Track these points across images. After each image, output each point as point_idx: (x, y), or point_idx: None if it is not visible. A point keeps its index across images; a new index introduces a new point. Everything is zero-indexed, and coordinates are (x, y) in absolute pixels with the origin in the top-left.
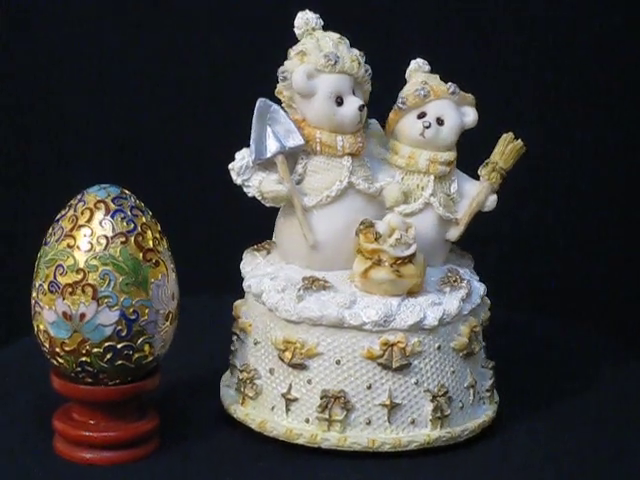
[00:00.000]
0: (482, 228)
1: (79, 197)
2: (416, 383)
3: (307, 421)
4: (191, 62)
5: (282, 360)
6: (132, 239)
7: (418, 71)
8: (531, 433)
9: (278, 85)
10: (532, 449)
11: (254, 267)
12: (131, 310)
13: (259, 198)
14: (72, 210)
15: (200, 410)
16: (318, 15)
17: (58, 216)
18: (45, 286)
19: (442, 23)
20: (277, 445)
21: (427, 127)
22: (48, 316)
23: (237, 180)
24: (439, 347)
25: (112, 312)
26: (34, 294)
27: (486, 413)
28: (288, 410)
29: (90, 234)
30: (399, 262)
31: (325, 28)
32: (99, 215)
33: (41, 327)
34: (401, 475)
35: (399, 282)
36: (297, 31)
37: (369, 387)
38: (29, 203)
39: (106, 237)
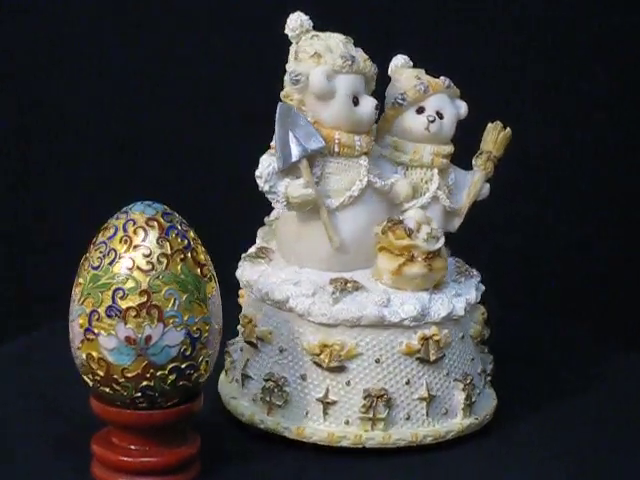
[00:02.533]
0: (481, 229)
1: (125, 217)
2: (447, 374)
3: (347, 423)
4: (191, 63)
5: (318, 364)
6: (189, 255)
7: (404, 67)
8: (529, 432)
9: (286, 89)
10: (531, 447)
11: (261, 274)
12: (195, 328)
13: (283, 204)
14: (121, 230)
15: (211, 423)
16: (308, 16)
17: (101, 238)
18: (101, 312)
19: (425, 20)
20: (309, 451)
21: (432, 121)
22: (106, 343)
23: (264, 187)
24: (463, 336)
25: (178, 332)
26: (80, 321)
27: (493, 397)
28: (326, 414)
29: (149, 254)
30: (430, 256)
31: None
32: (154, 233)
33: (94, 355)
34: (442, 467)
35: (430, 276)
36: (291, 33)
37: (407, 382)
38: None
39: (166, 255)
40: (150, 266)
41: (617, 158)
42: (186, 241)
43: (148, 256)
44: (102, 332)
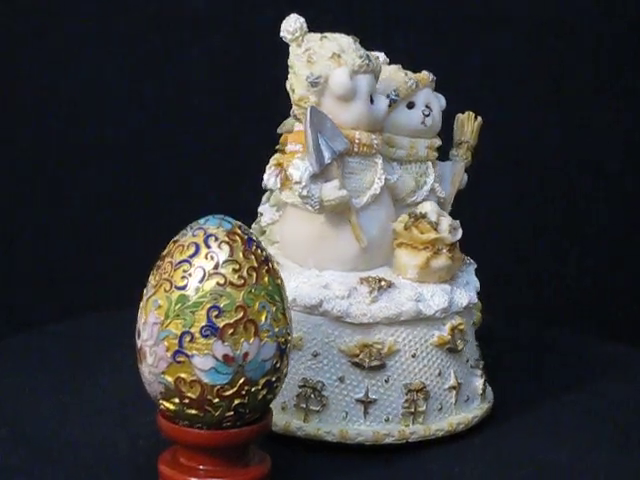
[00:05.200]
0: (480, 228)
1: (203, 233)
2: (467, 361)
3: (387, 420)
4: (191, 62)
5: (357, 365)
6: (270, 266)
7: (384, 64)
8: (526, 432)
9: (300, 92)
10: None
11: None
12: (282, 339)
13: (316, 207)
14: (204, 247)
15: None
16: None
17: (180, 257)
18: (195, 332)
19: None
20: (351, 453)
21: (427, 115)
22: (202, 364)
23: (303, 192)
24: (473, 323)
25: (271, 345)
26: (167, 344)
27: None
28: (366, 413)
29: (239, 268)
30: (451, 247)
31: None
32: (239, 247)
33: (185, 377)
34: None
35: (452, 267)
36: (289, 36)
37: (439, 374)
38: None
39: (254, 268)
40: (242, 280)
41: (617, 158)
42: (263, 252)
43: (238, 271)
44: (196, 353)
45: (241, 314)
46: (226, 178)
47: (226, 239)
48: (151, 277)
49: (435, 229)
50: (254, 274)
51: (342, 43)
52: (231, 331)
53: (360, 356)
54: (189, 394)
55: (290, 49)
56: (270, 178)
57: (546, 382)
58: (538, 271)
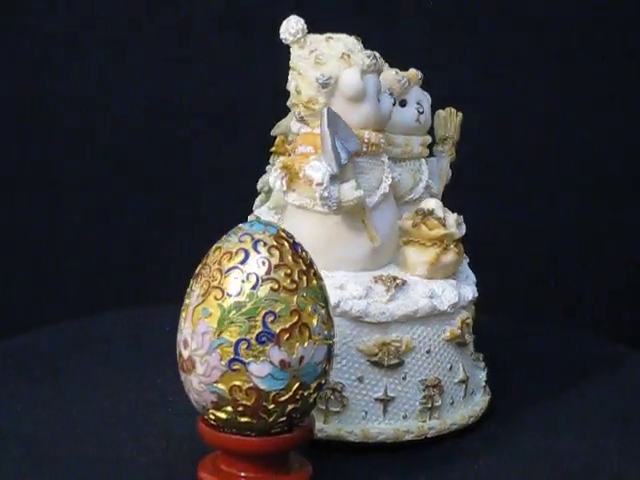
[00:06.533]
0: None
1: (250, 238)
2: (471, 354)
3: (405, 417)
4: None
5: (376, 364)
6: (315, 269)
7: None
8: (530, 426)
9: (309, 93)
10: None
11: None
12: (331, 342)
13: (334, 208)
14: (254, 252)
15: None
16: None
17: (229, 263)
18: (251, 339)
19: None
20: (372, 451)
21: (421, 113)
22: (259, 371)
23: (324, 194)
24: (474, 317)
25: (322, 348)
26: (220, 353)
27: None
28: (385, 412)
29: (290, 273)
30: (457, 242)
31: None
32: (287, 251)
33: (240, 385)
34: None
35: (459, 261)
36: (291, 38)
37: (450, 368)
38: None
39: (303, 271)
40: (294, 285)
41: (616, 158)
42: (307, 254)
43: (290, 275)
44: (253, 360)
45: (296, 318)
46: (217, 181)
47: (274, 243)
48: (194, 286)
49: (443, 225)
50: (304, 277)
51: (348, 43)
52: (287, 336)
53: (379, 355)
54: (244, 401)
55: (292, 51)
56: (276, 181)
57: (546, 382)
58: (538, 271)
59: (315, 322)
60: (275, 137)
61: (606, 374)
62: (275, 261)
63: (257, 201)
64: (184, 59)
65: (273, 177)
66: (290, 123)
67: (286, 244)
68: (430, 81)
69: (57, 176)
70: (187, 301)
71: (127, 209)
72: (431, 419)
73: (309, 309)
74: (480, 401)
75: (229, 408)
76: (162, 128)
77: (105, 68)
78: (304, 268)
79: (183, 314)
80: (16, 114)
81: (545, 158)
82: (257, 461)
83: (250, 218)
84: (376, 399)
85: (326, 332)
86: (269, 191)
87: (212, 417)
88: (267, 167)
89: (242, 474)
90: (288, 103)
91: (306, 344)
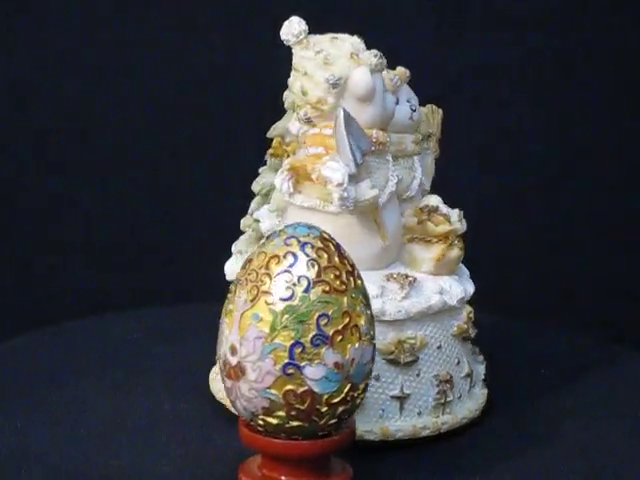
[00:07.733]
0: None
1: (296, 241)
2: (471, 348)
3: (419, 414)
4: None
5: (392, 362)
6: (357, 269)
7: None
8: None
9: (318, 94)
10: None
11: None
12: (375, 341)
13: (349, 208)
14: (303, 255)
15: None
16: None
17: (278, 268)
18: (305, 342)
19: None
20: (388, 450)
21: (414, 110)
22: (313, 374)
23: (344, 194)
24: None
25: (369, 348)
26: (274, 358)
27: None
28: (402, 409)
29: (339, 274)
30: (459, 238)
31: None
32: (333, 253)
33: (294, 389)
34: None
35: (462, 256)
36: (294, 39)
37: (458, 363)
38: None
39: (349, 272)
40: (343, 286)
41: (615, 158)
42: (350, 256)
43: (339, 276)
44: (307, 363)
45: (347, 320)
46: (217, 181)
47: (321, 245)
48: (240, 292)
49: (449, 221)
50: (351, 278)
51: (354, 43)
52: (340, 338)
53: (395, 353)
54: (297, 406)
55: (294, 52)
56: (283, 183)
57: (545, 382)
58: (538, 271)
59: (363, 322)
60: (272, 139)
61: (606, 374)
62: (324, 263)
63: (253, 204)
64: (184, 59)
65: (280, 179)
66: (288, 124)
67: (331, 245)
68: (418, 80)
69: (57, 176)
70: (230, 307)
71: (127, 209)
72: (444, 414)
73: (358, 310)
74: (480, 394)
75: (281, 413)
76: (162, 128)
77: (105, 68)
78: (350, 269)
79: (227, 320)
80: (16, 114)
81: (545, 158)
82: (301, 464)
83: (244, 221)
84: (392, 397)
85: (372, 332)
86: (267, 193)
87: (261, 422)
88: (260, 169)
89: (283, 478)
90: (286, 105)
91: (357, 345)
